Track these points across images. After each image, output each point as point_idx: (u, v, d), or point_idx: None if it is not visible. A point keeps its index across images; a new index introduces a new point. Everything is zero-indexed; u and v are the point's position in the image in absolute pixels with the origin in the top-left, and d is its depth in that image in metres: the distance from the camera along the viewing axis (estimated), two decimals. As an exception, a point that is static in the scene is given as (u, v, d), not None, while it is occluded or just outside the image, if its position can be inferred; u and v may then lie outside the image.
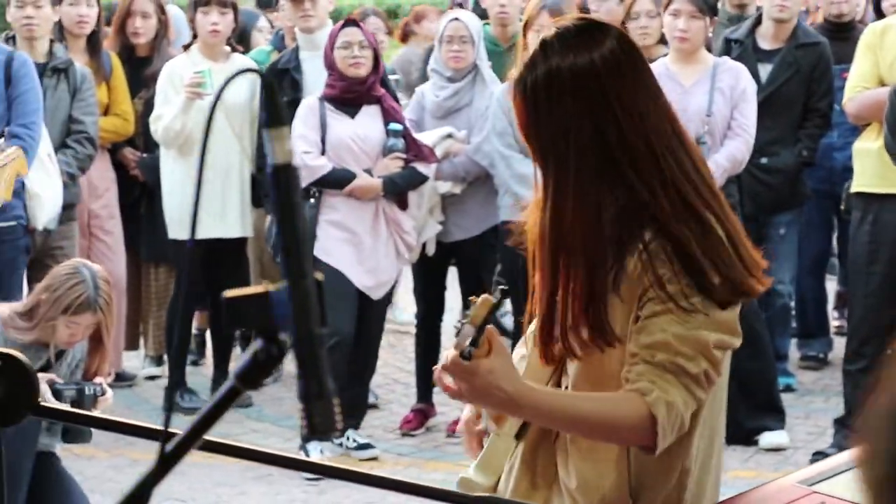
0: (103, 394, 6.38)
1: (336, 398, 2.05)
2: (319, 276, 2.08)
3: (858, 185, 7.55)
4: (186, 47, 9.74)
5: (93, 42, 9.48)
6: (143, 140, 9.52)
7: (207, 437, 2.07)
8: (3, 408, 2.51)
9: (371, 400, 9.11)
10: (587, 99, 3.26)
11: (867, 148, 7.48)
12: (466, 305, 7.60)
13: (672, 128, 3.34)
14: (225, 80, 2.31)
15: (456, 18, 8.98)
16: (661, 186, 3.23)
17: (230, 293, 2.09)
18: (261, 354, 1.96)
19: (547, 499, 3.50)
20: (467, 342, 3.03)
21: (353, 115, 8.28)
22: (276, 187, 2.01)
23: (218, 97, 1.99)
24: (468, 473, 3.61)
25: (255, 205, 9.16)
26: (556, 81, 3.27)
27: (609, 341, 3.20)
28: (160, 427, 2.09)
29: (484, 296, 3.11)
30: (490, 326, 3.12)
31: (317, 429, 1.99)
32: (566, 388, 3.43)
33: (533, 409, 3.26)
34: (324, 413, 1.99)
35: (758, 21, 8.88)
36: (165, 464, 1.98)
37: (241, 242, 9.15)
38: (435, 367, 3.31)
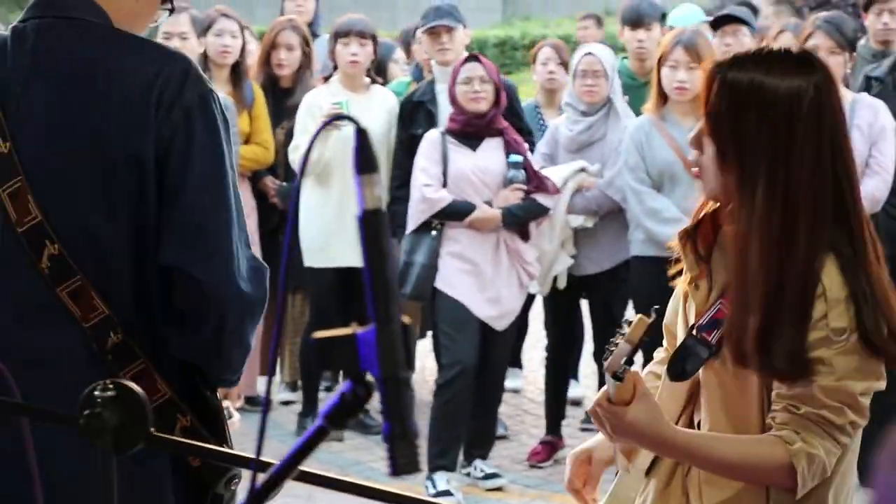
0: (230, 417, 6.48)
1: (417, 438, 2.10)
2: (407, 319, 2.11)
3: None
4: (326, 79, 9.86)
5: (236, 72, 9.62)
6: (284, 169, 9.61)
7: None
8: (116, 436, 2.60)
9: (500, 431, 9.11)
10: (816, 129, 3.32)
11: None
12: (598, 339, 7.67)
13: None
14: (320, 125, 2.39)
15: (590, 53, 8.98)
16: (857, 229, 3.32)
17: (319, 334, 2.14)
18: (348, 396, 2.01)
19: None
20: (622, 361, 3.12)
21: (474, 147, 8.34)
22: (364, 232, 2.06)
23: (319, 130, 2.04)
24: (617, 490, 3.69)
25: (392, 233, 9.17)
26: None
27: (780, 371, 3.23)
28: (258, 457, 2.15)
29: (640, 315, 3.19)
30: (636, 372, 3.23)
31: (400, 469, 2.05)
32: (699, 421, 3.49)
33: (675, 451, 3.38)
34: (407, 453, 2.04)
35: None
36: (258, 499, 2.05)
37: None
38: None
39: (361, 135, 2.02)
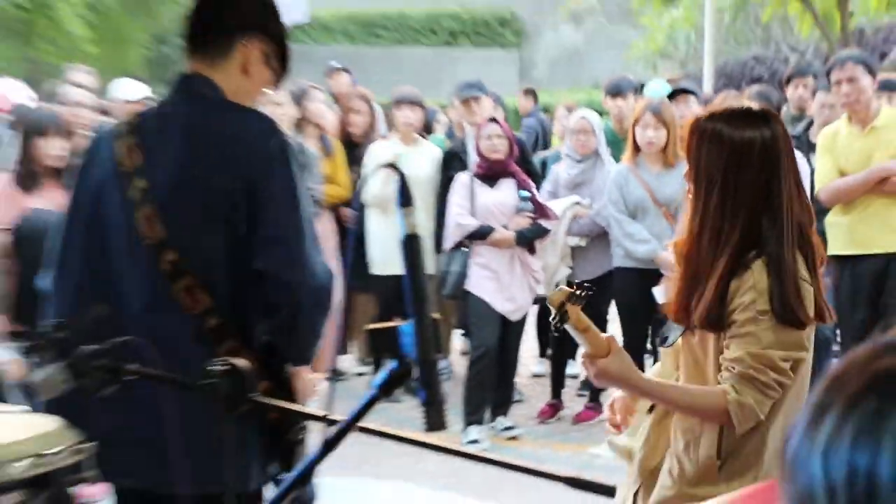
0: (316, 387, 6.50)
1: (445, 405, 2.13)
2: (436, 315, 2.14)
3: (831, 250, 7.27)
4: (386, 136, 9.90)
5: (320, 131, 9.62)
6: (357, 202, 9.54)
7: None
8: (228, 399, 2.65)
9: (516, 396, 9.11)
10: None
11: (837, 221, 7.45)
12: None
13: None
14: (371, 172, 2.42)
15: (583, 116, 9.06)
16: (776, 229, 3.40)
17: (371, 326, 2.18)
18: (394, 372, 2.04)
19: (661, 457, 3.62)
20: (553, 321, 3.34)
21: (493, 185, 8.36)
22: (406, 250, 2.10)
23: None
24: (615, 438, 3.86)
25: (437, 251, 9.16)
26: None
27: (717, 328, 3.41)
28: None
29: (560, 288, 3.36)
30: (612, 336, 3.45)
31: (431, 428, 2.08)
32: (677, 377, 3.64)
33: (642, 393, 3.58)
34: (437, 415, 2.07)
35: (811, 123, 8.75)
36: (327, 446, 2.07)
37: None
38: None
39: (402, 179, 2.05)
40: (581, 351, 3.52)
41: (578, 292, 3.30)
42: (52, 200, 6.84)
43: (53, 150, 6.97)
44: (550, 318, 3.35)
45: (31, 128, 7.04)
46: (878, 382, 1.05)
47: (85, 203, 3.78)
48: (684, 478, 3.50)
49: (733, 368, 3.33)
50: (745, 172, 3.41)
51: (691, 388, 3.51)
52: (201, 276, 3.56)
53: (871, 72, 7.60)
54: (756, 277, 3.36)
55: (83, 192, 3.80)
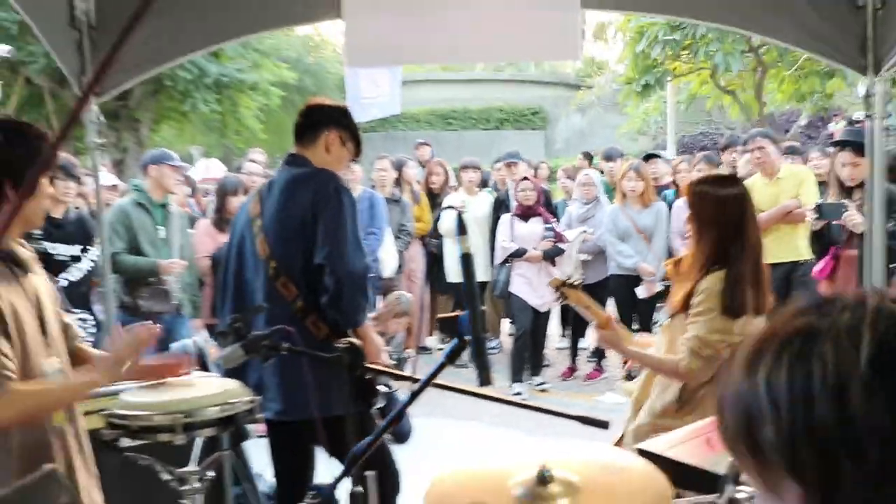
0: (409, 358, 6.48)
1: (490, 368, 2.10)
2: (484, 307, 2.11)
3: None
4: (456, 189, 9.88)
5: (411, 187, 9.63)
6: (436, 233, 9.55)
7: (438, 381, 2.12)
8: (349, 366, 2.62)
9: (545, 362, 9.01)
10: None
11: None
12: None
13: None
14: (440, 213, 2.40)
15: (587, 174, 9.01)
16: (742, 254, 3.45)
17: (440, 315, 2.16)
18: (456, 346, 2.01)
19: (647, 396, 3.70)
20: (555, 297, 3.63)
21: (526, 221, 8.31)
22: (462, 264, 2.07)
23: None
24: (629, 384, 4.01)
25: (492, 265, 9.12)
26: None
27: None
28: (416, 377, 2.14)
29: (554, 278, 3.67)
30: (611, 315, 3.68)
31: (482, 382, 2.05)
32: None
33: (630, 356, 3.79)
34: (485, 374, 2.04)
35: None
36: (412, 397, 2.04)
37: (483, 284, 9.13)
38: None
39: (459, 216, 2.03)
40: (590, 329, 3.64)
41: (569, 280, 3.62)
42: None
43: (238, 203, 7.04)
44: (554, 297, 3.52)
45: (224, 190, 7.11)
46: (799, 332, 1.04)
47: (234, 241, 4.01)
48: (654, 412, 3.58)
49: (686, 344, 3.43)
50: (726, 216, 3.48)
51: (659, 356, 3.60)
52: (290, 275, 3.69)
53: (774, 141, 7.77)
54: (709, 283, 3.42)
55: (234, 234, 4.04)
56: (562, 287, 3.62)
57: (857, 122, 10.44)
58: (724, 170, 9.42)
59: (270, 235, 3.76)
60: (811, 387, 0.99)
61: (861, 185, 5.64)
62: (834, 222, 6.20)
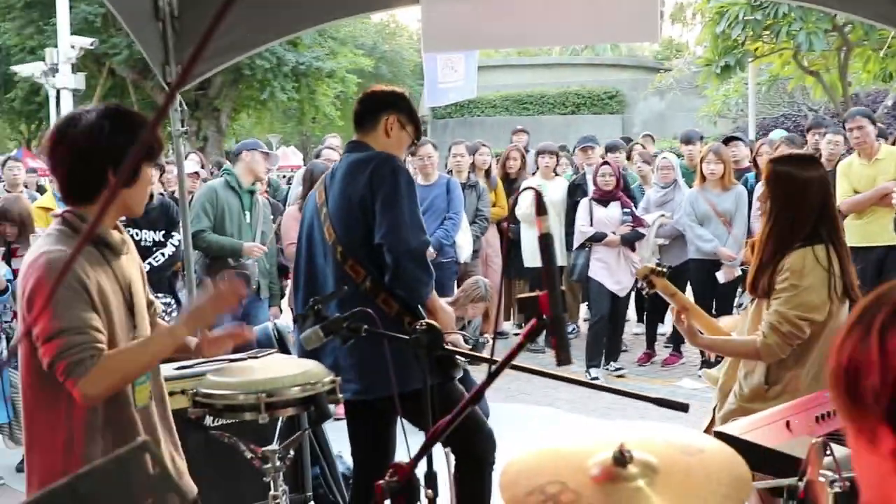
0: (486, 342, 6.50)
1: (570, 347, 2.10)
2: (563, 288, 2.11)
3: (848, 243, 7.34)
4: (534, 173, 9.86)
5: (487, 172, 9.62)
6: (513, 218, 9.50)
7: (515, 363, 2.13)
8: (427, 346, 2.66)
9: (623, 347, 8.95)
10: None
11: (852, 223, 7.30)
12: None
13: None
14: (517, 195, 2.42)
15: (665, 157, 8.91)
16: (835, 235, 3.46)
17: (520, 295, 2.16)
18: (538, 325, 2.01)
19: (734, 381, 3.64)
20: (643, 286, 3.62)
21: (606, 205, 8.23)
22: (541, 245, 2.07)
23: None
24: (710, 371, 3.96)
25: (567, 249, 9.09)
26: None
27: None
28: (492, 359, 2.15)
29: (644, 265, 3.66)
30: (687, 307, 3.60)
31: (561, 362, 2.04)
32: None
33: (702, 344, 3.70)
34: (564, 353, 2.04)
35: (819, 157, 8.45)
36: (490, 377, 2.05)
37: (559, 269, 9.07)
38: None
39: (538, 196, 2.03)
40: (668, 315, 3.59)
41: (657, 268, 3.60)
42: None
43: None
44: (641, 287, 3.46)
45: (312, 175, 7.19)
46: (878, 300, 1.12)
47: (304, 229, 4.08)
48: (743, 396, 3.54)
49: (767, 318, 3.40)
50: (809, 197, 3.45)
51: (732, 338, 3.59)
52: (356, 257, 3.75)
53: (873, 122, 7.62)
54: (793, 261, 3.39)
55: (304, 221, 4.11)
56: (650, 275, 3.62)
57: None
58: (807, 151, 9.26)
59: (335, 221, 3.83)
60: None
61: None
62: None
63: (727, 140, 9.08)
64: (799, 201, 3.44)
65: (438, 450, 2.34)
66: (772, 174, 3.52)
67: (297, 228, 7.08)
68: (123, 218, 2.91)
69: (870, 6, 5.08)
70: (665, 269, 3.63)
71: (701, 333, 3.64)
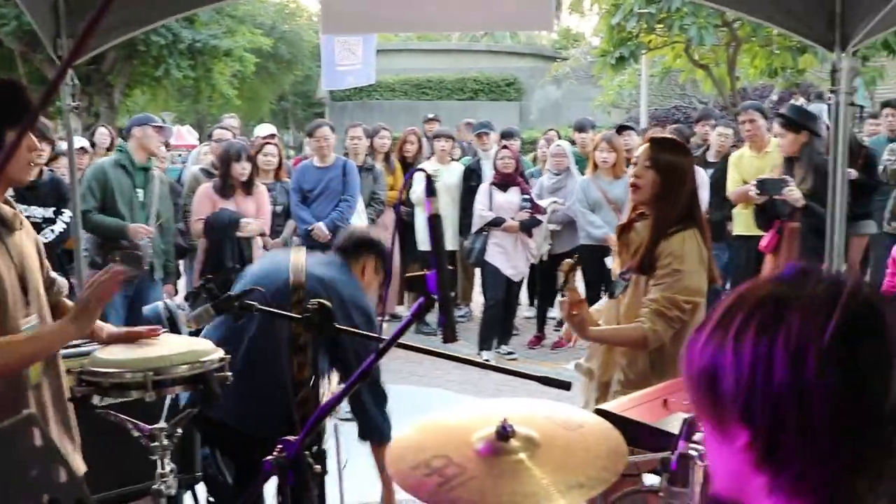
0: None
1: (455, 325, 2.13)
2: (451, 267, 2.14)
3: (736, 231, 7.75)
4: (428, 158, 9.90)
5: (386, 155, 9.62)
6: (407, 201, 9.52)
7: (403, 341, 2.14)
8: (319, 326, 2.65)
9: (514, 331, 9.08)
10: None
11: (741, 212, 7.64)
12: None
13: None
14: (410, 178, 2.45)
15: (558, 144, 9.06)
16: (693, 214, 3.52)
17: (409, 274, 2.19)
18: (422, 304, 2.04)
19: (610, 374, 3.71)
20: (561, 282, 3.42)
21: (505, 190, 8.32)
22: (430, 224, 2.11)
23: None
24: (581, 362, 3.94)
25: (460, 234, 9.17)
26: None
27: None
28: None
29: (567, 260, 3.46)
30: (582, 300, 3.51)
31: (447, 339, 2.08)
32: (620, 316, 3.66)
33: (590, 338, 3.61)
34: (450, 331, 2.07)
35: (708, 147, 8.73)
36: (378, 355, 2.06)
37: (452, 253, 9.18)
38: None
39: (428, 178, 2.06)
40: (557, 299, 3.60)
41: (576, 265, 3.49)
42: (237, 205, 6.98)
43: (242, 169, 7.05)
44: (560, 281, 3.41)
45: (228, 155, 7.08)
46: (772, 298, 1.13)
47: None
48: (630, 383, 3.56)
49: (650, 306, 3.42)
50: (688, 182, 3.53)
51: (619, 327, 3.58)
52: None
53: (765, 115, 7.82)
54: (675, 245, 3.44)
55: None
56: (571, 272, 3.49)
57: (819, 97, 10.58)
58: (696, 142, 9.54)
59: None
60: (773, 350, 1.09)
61: (799, 159, 5.77)
62: (775, 197, 6.32)
63: (619, 129, 9.29)
64: (679, 185, 3.52)
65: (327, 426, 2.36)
66: (655, 155, 3.55)
67: (208, 206, 7.03)
68: (12, 193, 2.83)
69: (756, 5, 5.27)
70: (578, 264, 3.60)
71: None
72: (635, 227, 3.68)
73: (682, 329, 3.45)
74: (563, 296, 3.44)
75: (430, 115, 11.64)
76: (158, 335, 3.03)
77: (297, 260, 3.73)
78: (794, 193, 5.51)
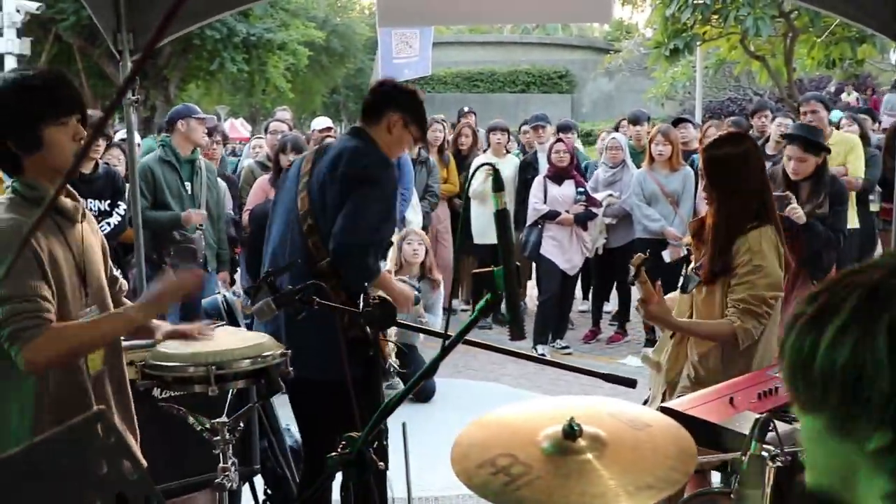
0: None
1: (524, 322, 2.12)
2: (518, 263, 2.12)
3: None
4: (485, 151, 9.86)
5: (440, 148, 9.61)
6: (464, 195, 9.46)
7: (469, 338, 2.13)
8: (380, 322, 2.66)
9: (570, 325, 9.02)
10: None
11: None
12: (618, 278, 7.53)
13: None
14: (473, 171, 2.42)
15: (614, 137, 8.97)
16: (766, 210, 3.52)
17: (475, 270, 2.17)
18: (489, 300, 2.02)
19: (679, 369, 3.70)
20: (631, 276, 3.40)
21: (560, 183, 8.25)
22: (497, 220, 2.08)
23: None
24: (648, 353, 3.96)
25: (515, 228, 9.09)
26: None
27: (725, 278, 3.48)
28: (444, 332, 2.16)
29: (639, 255, 3.45)
30: (660, 287, 3.48)
31: (514, 336, 2.06)
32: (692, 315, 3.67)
33: (676, 327, 3.62)
34: (518, 329, 2.06)
35: (767, 139, 8.58)
36: (444, 351, 2.05)
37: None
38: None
39: (496, 172, 2.03)
40: (613, 293, 3.56)
41: (647, 257, 3.49)
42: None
43: (288, 161, 7.07)
44: (631, 275, 3.40)
45: (284, 147, 7.07)
46: (873, 297, 1.06)
47: (280, 195, 4.02)
48: (699, 379, 3.56)
49: (738, 306, 3.41)
50: (749, 175, 3.51)
51: (708, 322, 3.56)
52: (322, 235, 3.72)
53: (827, 107, 7.66)
54: (752, 243, 3.44)
55: (280, 189, 4.04)
56: (642, 265, 3.45)
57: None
58: (753, 134, 9.40)
59: (315, 193, 3.79)
60: (869, 363, 1.04)
61: (807, 180, 5.51)
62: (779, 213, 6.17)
63: (676, 122, 9.18)
64: (742, 177, 3.49)
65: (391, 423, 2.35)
66: (708, 160, 3.56)
67: (261, 196, 7.06)
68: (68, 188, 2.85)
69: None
70: (649, 258, 3.58)
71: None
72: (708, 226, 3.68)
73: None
74: (631, 284, 3.46)
75: (467, 108, 11.64)
76: (211, 333, 3.04)
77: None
78: (797, 211, 5.33)
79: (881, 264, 1.10)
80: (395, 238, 6.70)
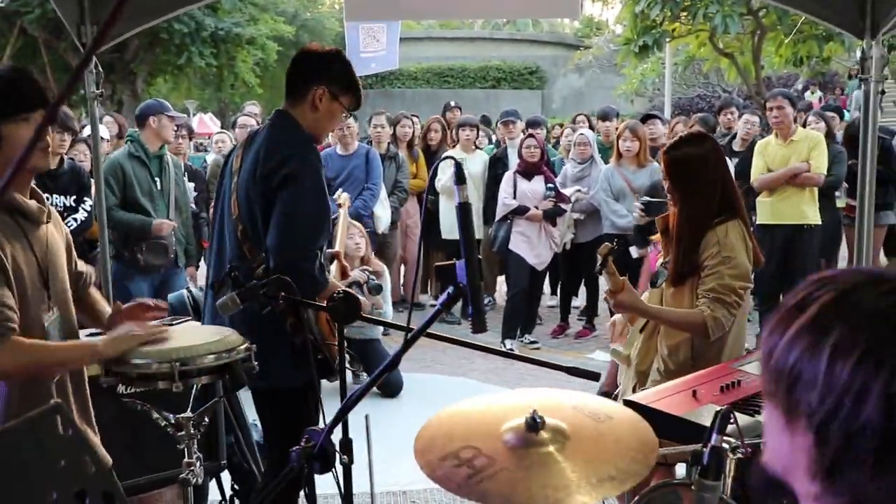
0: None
1: (485, 315, 2.11)
2: (479, 256, 2.12)
3: (759, 220, 7.62)
4: (454, 146, 9.88)
5: (410, 143, 9.60)
6: (432, 190, 9.44)
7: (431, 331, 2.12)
8: (345, 316, 2.65)
9: (538, 320, 9.02)
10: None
11: (764, 201, 7.66)
12: (585, 273, 7.50)
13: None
14: (435, 165, 2.42)
15: (582, 133, 8.99)
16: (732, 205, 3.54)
17: (438, 263, 2.18)
18: (451, 294, 2.02)
19: (649, 363, 3.71)
20: (598, 266, 3.40)
21: (529, 179, 8.25)
22: (459, 213, 2.09)
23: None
24: (617, 347, 3.94)
25: (485, 223, 9.15)
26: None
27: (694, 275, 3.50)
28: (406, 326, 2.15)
29: (605, 244, 3.46)
30: (625, 278, 3.50)
31: (476, 329, 2.06)
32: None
33: (648, 315, 3.61)
34: (480, 321, 2.06)
35: (734, 136, 8.67)
36: (406, 344, 2.05)
37: (476, 242, 9.07)
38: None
39: (457, 165, 2.04)
40: (581, 288, 3.57)
41: (614, 247, 3.49)
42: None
43: None
44: (598, 264, 3.39)
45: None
46: (878, 319, 1.05)
47: (221, 191, 3.72)
48: (669, 372, 3.56)
49: (708, 295, 3.42)
50: (713, 172, 3.53)
51: (679, 310, 3.55)
52: (254, 241, 3.44)
53: (793, 104, 7.84)
54: (720, 236, 3.47)
55: (222, 183, 3.73)
56: (609, 255, 3.43)
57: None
58: (720, 130, 9.47)
59: (241, 197, 3.50)
60: (871, 385, 1.01)
61: None
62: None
63: (645, 118, 9.23)
64: (703, 178, 3.51)
65: (354, 416, 2.35)
66: (669, 161, 3.56)
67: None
68: (33, 183, 2.82)
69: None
70: (616, 248, 3.57)
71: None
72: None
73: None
74: (598, 274, 3.46)
75: (452, 104, 11.63)
76: (151, 314, 3.01)
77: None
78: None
79: (856, 273, 1.11)
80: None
